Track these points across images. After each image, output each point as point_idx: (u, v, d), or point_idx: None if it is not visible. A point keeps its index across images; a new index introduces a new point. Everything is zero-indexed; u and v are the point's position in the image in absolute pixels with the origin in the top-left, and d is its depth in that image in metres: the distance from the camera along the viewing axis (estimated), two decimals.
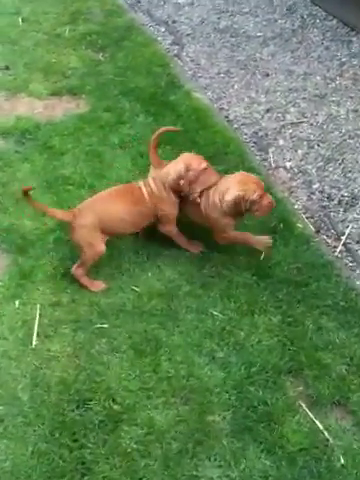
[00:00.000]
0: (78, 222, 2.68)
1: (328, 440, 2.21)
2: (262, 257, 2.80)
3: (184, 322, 2.60)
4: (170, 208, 2.76)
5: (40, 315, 2.63)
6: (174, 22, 5.21)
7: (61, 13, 5.21)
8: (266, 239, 2.76)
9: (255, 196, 2.60)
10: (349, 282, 2.72)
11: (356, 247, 2.99)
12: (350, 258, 2.94)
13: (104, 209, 2.72)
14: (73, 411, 2.26)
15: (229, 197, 2.62)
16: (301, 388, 2.37)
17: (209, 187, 2.71)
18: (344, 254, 2.97)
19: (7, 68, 4.49)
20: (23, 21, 5.18)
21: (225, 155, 3.40)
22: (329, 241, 3.03)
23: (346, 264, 2.90)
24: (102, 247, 2.71)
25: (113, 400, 2.29)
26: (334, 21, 4.95)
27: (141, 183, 2.79)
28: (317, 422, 2.26)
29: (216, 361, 2.45)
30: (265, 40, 4.85)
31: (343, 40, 4.72)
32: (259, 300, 2.66)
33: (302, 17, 5.10)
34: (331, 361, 2.42)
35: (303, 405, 2.31)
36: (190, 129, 3.65)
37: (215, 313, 2.61)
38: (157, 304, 2.67)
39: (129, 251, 2.91)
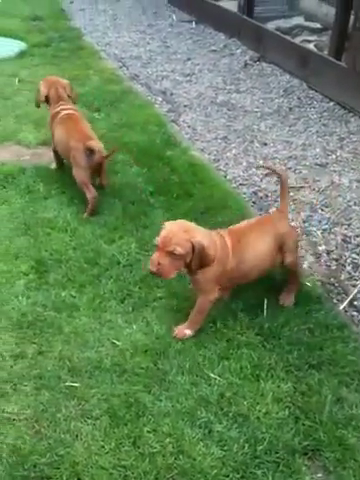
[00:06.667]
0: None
1: None
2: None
3: (174, 385, 2.12)
4: None
5: None
6: (172, 94, 5.21)
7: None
8: None
9: None
10: None
11: None
12: None
13: None
14: None
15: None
16: (320, 474, 1.87)
17: None
18: (358, 318, 2.59)
19: None
20: (19, 82, 5.14)
21: (224, 209, 3.12)
22: (339, 305, 2.66)
23: None
24: None
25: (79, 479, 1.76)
26: (331, 103, 4.98)
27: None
28: None
29: (213, 435, 1.95)
30: (262, 115, 4.81)
31: (341, 119, 4.70)
32: (265, 363, 2.21)
33: (299, 98, 5.14)
34: (356, 441, 1.94)
35: None
36: (186, 182, 3.40)
37: (212, 376, 2.15)
38: (142, 362, 2.20)
39: (112, 299, 2.49)
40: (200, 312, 2.33)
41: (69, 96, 3.40)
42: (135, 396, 2.06)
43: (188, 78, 5.63)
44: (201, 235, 2.15)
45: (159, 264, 2.10)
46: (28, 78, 5.17)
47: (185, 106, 4.95)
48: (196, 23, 7.40)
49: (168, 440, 1.92)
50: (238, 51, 6.37)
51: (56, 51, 6.06)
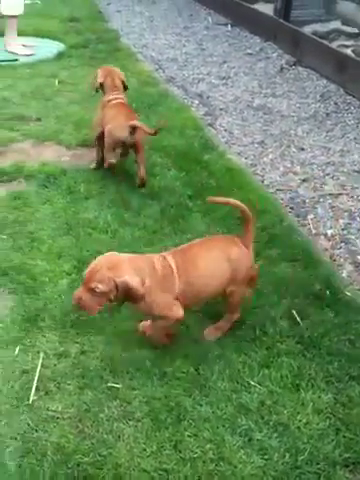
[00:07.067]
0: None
1: None
2: None
3: (214, 391, 2.13)
4: None
5: (42, 366, 2.19)
6: (208, 97, 5.23)
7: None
8: None
9: None
10: None
11: None
12: None
13: None
14: None
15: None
16: None
17: None
18: None
19: (38, 120, 4.41)
20: (59, 83, 5.22)
21: (262, 213, 3.11)
22: None
23: None
24: None
25: None
26: None
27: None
28: None
29: (253, 443, 1.96)
30: (299, 120, 4.79)
31: None
32: (305, 373, 2.21)
33: (336, 103, 5.09)
34: None
35: None
36: (223, 186, 3.41)
37: (252, 383, 2.16)
38: (182, 366, 2.22)
39: None
40: (157, 330, 2.26)
41: (124, 84, 3.59)
42: (176, 400, 2.08)
43: (224, 81, 5.63)
44: (130, 272, 2.02)
45: (80, 299, 2.04)
46: (68, 79, 5.25)
47: (221, 109, 4.96)
48: (232, 26, 7.40)
49: (209, 446, 1.94)
50: (274, 55, 6.35)
51: (93, 52, 6.13)
